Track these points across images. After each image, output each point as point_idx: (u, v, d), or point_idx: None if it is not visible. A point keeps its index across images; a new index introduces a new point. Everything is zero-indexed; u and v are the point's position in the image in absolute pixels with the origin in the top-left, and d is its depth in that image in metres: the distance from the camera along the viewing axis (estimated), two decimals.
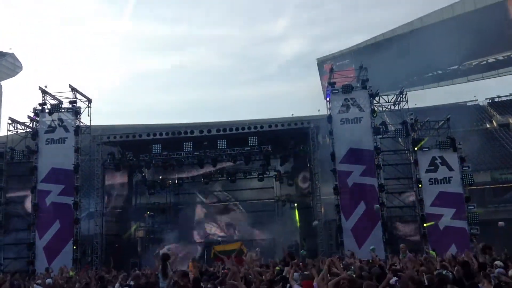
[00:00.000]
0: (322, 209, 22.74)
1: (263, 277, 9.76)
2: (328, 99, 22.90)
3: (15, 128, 24.14)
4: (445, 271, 9.40)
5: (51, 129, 23.15)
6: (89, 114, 23.92)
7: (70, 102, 23.42)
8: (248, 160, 25.21)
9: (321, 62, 55.20)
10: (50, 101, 23.66)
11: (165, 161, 24.99)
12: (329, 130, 22.25)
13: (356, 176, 21.42)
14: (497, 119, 43.48)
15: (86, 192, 23.56)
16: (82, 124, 23.59)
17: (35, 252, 21.48)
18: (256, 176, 26.75)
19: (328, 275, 8.70)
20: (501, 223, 15.52)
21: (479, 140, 32.66)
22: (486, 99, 49.60)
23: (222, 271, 12.01)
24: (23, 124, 24.04)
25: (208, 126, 27.26)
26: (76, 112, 23.30)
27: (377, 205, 20.31)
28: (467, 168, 21.54)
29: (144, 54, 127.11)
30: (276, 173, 27.04)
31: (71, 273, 16.28)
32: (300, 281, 8.42)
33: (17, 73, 68.82)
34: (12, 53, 65.30)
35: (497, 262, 9.58)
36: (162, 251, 18.43)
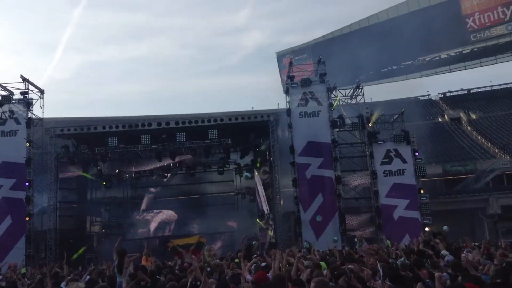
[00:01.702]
0: (281, 201, 22.98)
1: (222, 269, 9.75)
2: (287, 92, 23.07)
3: None
4: (403, 258, 9.75)
5: (1, 121, 22.43)
6: (42, 106, 23.31)
7: (22, 93, 22.66)
8: (207, 153, 25.09)
9: (280, 56, 55.59)
10: (1, 92, 22.83)
11: (121, 154, 24.50)
12: (288, 124, 22.45)
13: (314, 168, 21.79)
14: (448, 113, 45.25)
15: (39, 186, 22.77)
16: (34, 116, 22.82)
17: None
18: (216, 169, 26.66)
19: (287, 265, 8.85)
20: (445, 228, 16.40)
21: (432, 133, 33.79)
22: (438, 94, 51.58)
23: (182, 264, 11.94)
24: None
25: (167, 118, 26.85)
26: (27, 103, 22.54)
27: None
28: (420, 160, 22.31)
29: (100, 43, 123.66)
30: (236, 166, 27.04)
31: (23, 270, 15.72)
32: (254, 272, 8.45)
33: None
34: None
35: (443, 252, 9.96)
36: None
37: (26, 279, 11.18)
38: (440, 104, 49.50)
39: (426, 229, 20.18)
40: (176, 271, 10.57)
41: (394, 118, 23.79)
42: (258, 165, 25.95)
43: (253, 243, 15.12)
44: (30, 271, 15.31)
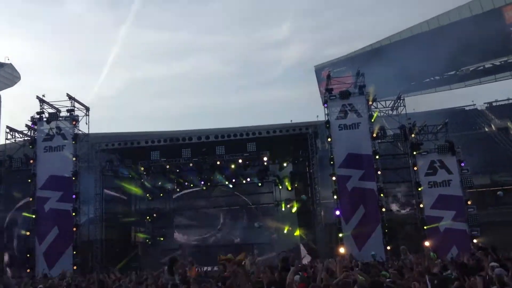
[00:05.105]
0: (322, 213, 22.76)
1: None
2: (326, 105, 22.93)
3: (13, 136, 24.17)
4: (449, 271, 9.46)
5: (49, 137, 23.14)
6: (87, 122, 23.93)
7: (68, 111, 23.44)
8: (246, 166, 25.28)
9: (318, 69, 55.45)
10: (48, 110, 23.67)
11: (163, 168, 25.05)
12: (327, 136, 22.28)
13: (355, 180, 21.40)
14: (495, 123, 43.68)
15: (85, 198, 23.51)
16: (80, 132, 23.60)
17: (35, 258, 21.45)
18: (255, 181, 26.79)
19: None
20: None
21: (478, 143, 32.70)
22: (484, 103, 49.86)
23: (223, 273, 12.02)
24: (21, 132, 24.08)
25: (207, 132, 27.36)
26: (74, 120, 23.30)
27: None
28: (466, 171, 21.57)
29: (144, 61, 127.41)
30: (275, 178, 27.08)
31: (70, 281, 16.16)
32: (298, 283, 8.40)
33: (15, 83, 68.94)
34: (10, 64, 65.42)
35: (492, 264, 9.58)
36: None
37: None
38: (486, 113, 47.84)
39: (474, 241, 19.47)
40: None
41: (438, 128, 23.17)
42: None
43: (284, 256, 15.06)
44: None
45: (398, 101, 23.72)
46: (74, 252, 21.41)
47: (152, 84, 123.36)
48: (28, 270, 20.87)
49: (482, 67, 49.48)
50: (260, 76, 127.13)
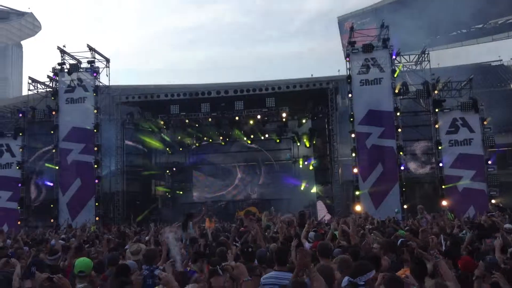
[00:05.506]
0: (340, 170, 22.77)
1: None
2: (347, 59, 22.40)
3: (36, 87, 24.42)
4: (464, 231, 9.47)
5: (70, 89, 23.34)
6: (108, 74, 24.06)
7: (89, 62, 23.45)
8: (265, 122, 25.18)
9: (341, 21, 54.02)
10: (69, 61, 23.76)
11: (183, 122, 25.17)
12: (348, 91, 21.91)
13: (374, 138, 21.19)
14: None
15: (107, 151, 23.93)
16: (101, 84, 23.69)
17: (58, 208, 22.19)
18: (274, 137, 26.77)
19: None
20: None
21: (503, 101, 31.75)
22: (511, 59, 48.07)
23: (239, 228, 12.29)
24: (43, 83, 24.30)
25: (226, 87, 27.13)
26: (94, 71, 23.36)
27: None
28: (489, 130, 21.15)
29: (163, 11, 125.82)
30: (293, 135, 26.99)
31: (93, 228, 16.78)
32: (313, 240, 8.52)
33: (37, 32, 69.16)
34: (31, 13, 65.30)
35: (507, 225, 9.56)
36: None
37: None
38: None
39: (493, 201, 19.35)
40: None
41: (462, 85, 22.57)
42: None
43: (301, 211, 15.29)
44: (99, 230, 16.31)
45: (423, 55, 23.07)
46: (97, 204, 22.11)
47: (170, 36, 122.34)
48: (52, 220, 21.70)
49: (511, 20, 47.41)
50: (280, 27, 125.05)
